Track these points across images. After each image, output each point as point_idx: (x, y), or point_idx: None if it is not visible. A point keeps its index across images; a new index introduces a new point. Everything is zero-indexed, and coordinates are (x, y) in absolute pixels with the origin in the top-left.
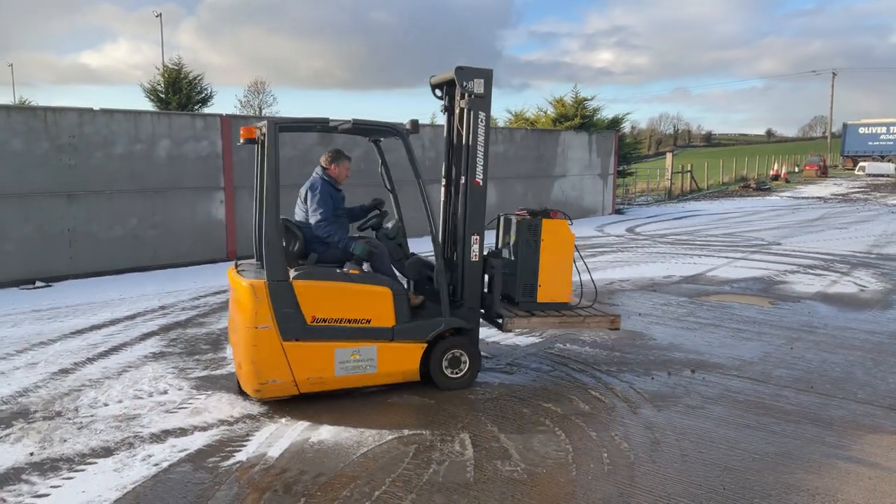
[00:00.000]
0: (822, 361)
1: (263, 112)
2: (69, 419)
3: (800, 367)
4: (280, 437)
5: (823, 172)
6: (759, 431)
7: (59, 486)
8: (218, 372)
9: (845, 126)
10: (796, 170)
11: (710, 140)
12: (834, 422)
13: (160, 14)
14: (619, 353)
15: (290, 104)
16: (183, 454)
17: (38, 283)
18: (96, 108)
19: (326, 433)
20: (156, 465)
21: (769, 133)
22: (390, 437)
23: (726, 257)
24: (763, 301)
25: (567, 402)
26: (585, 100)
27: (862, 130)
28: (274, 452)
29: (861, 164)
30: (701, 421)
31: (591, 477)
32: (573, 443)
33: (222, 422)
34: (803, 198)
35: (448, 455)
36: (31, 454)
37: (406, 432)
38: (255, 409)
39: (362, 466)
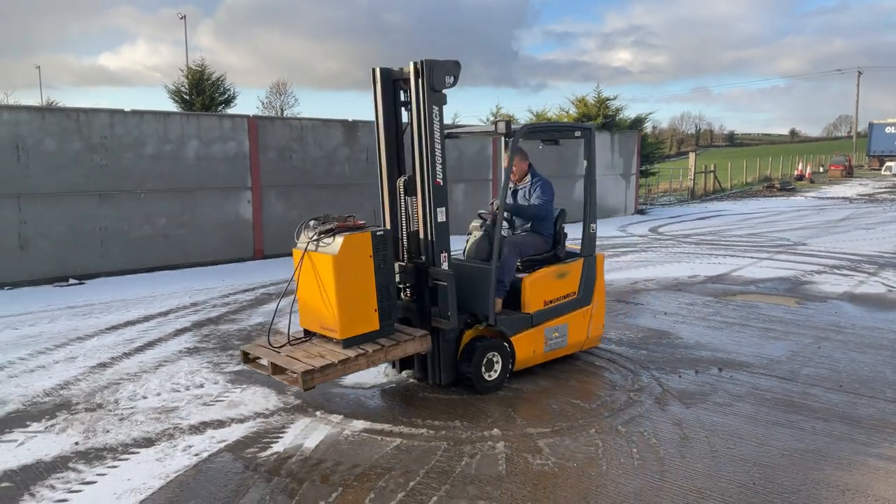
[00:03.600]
0: (850, 361)
1: (285, 112)
2: (110, 411)
3: (828, 365)
4: (315, 429)
5: (849, 172)
6: (788, 429)
7: (104, 474)
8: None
9: (871, 125)
10: (821, 170)
11: (732, 140)
12: (863, 420)
13: (184, 16)
14: (645, 351)
15: (310, 104)
16: (222, 445)
17: (71, 281)
18: (127, 109)
19: (360, 426)
20: (196, 455)
21: (793, 133)
22: (423, 430)
23: (751, 257)
24: (790, 301)
25: (595, 399)
26: (608, 99)
27: (888, 130)
28: (310, 444)
29: (888, 163)
30: (729, 418)
31: (622, 471)
32: (602, 438)
33: (258, 414)
34: (829, 198)
35: (480, 448)
36: (76, 444)
37: (438, 426)
38: (290, 402)
39: (396, 458)
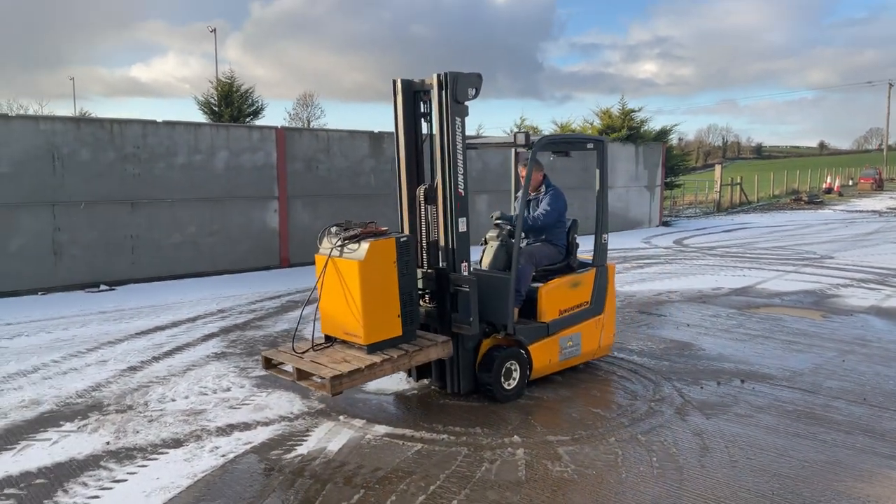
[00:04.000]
0: (875, 374)
1: (312, 124)
2: (140, 412)
3: (852, 379)
4: (338, 433)
5: (879, 186)
6: (809, 440)
7: (135, 473)
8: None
9: None
10: (850, 183)
11: (760, 152)
12: (887, 433)
13: (214, 30)
14: (667, 362)
15: (336, 116)
16: (248, 447)
17: (102, 287)
18: (159, 120)
19: (382, 430)
20: (223, 456)
21: (822, 145)
22: (443, 436)
23: (777, 270)
24: (815, 314)
25: (616, 409)
26: (632, 111)
27: None
28: (333, 447)
29: None
30: (750, 429)
31: (640, 479)
32: (622, 447)
33: (283, 418)
34: (857, 211)
35: (499, 454)
36: (108, 443)
37: (458, 432)
38: (314, 406)
39: (417, 463)
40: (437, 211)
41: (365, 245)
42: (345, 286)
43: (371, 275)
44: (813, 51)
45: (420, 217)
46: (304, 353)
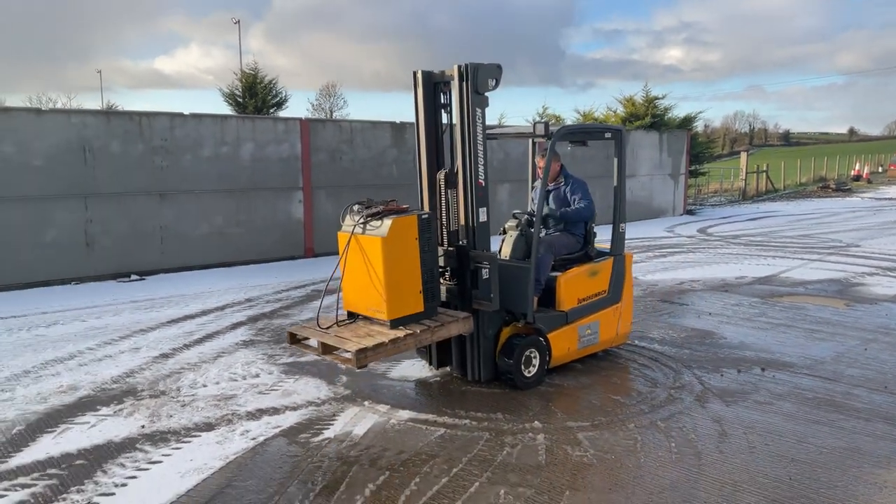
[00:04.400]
0: None
1: (334, 114)
2: (173, 398)
3: (874, 367)
4: (363, 418)
5: None
6: (828, 427)
7: (169, 455)
8: (304, 359)
9: None
10: (880, 170)
11: (788, 139)
12: None
13: (238, 21)
14: (688, 350)
15: (358, 106)
16: (277, 430)
17: (132, 277)
18: (186, 112)
19: (406, 415)
20: (253, 439)
21: (851, 131)
22: (465, 421)
23: (801, 259)
24: (838, 303)
25: (635, 396)
26: (656, 98)
27: None
28: (359, 431)
29: None
30: (769, 416)
31: (659, 464)
32: (641, 432)
33: (310, 403)
34: (886, 199)
35: (520, 439)
36: (143, 427)
37: (480, 418)
38: (340, 392)
39: (440, 446)
40: (457, 199)
41: (388, 222)
42: (368, 263)
43: (394, 251)
44: (844, 34)
45: (440, 202)
46: (328, 328)
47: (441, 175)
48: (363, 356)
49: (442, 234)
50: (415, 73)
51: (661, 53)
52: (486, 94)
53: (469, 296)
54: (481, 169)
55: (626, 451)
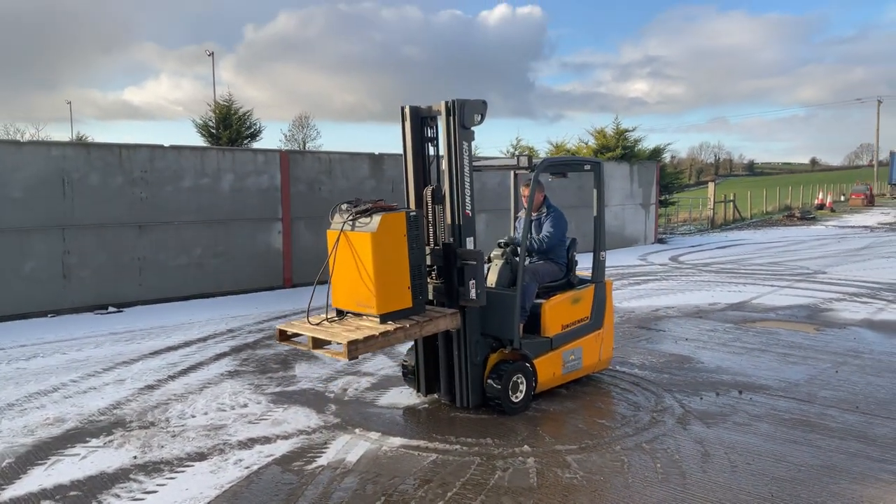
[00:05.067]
0: (867, 384)
1: (308, 145)
2: (162, 428)
3: (845, 388)
4: (355, 445)
5: (870, 201)
6: (805, 446)
7: (164, 485)
8: (290, 388)
9: (892, 154)
10: (842, 199)
11: (752, 169)
12: (878, 438)
13: (212, 53)
14: (668, 375)
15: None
16: (270, 459)
17: (110, 308)
18: (167, 144)
19: (397, 442)
20: (247, 467)
21: (814, 162)
22: (456, 446)
23: (771, 285)
24: (809, 327)
25: (620, 419)
26: (626, 131)
27: None
28: (351, 458)
29: None
30: (749, 436)
31: (646, 484)
32: (627, 454)
33: (301, 431)
34: (849, 227)
35: (511, 463)
36: (135, 457)
37: (470, 443)
38: (330, 420)
39: (433, 471)
40: (444, 217)
41: (377, 218)
42: (357, 259)
43: (383, 246)
44: (803, 69)
45: (427, 211)
46: (317, 324)
47: (428, 191)
48: (354, 348)
49: (429, 232)
50: (403, 108)
51: (627, 86)
52: (472, 128)
53: (456, 294)
54: (468, 200)
55: (614, 472)
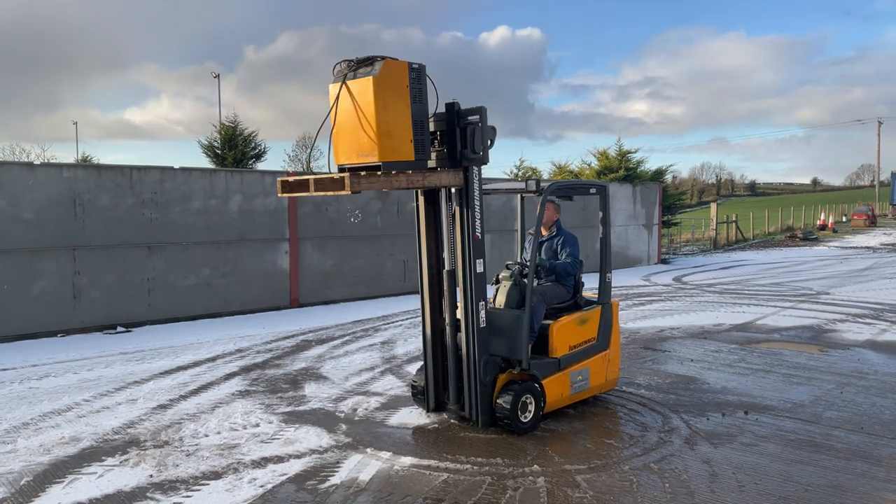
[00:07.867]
0: (871, 405)
1: (311, 165)
2: (177, 447)
3: (850, 409)
4: (367, 464)
5: (872, 222)
6: (811, 466)
7: (180, 503)
8: (301, 408)
9: (894, 175)
10: (844, 219)
11: (754, 189)
12: (883, 459)
13: (218, 75)
14: (674, 395)
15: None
16: (284, 477)
17: (119, 329)
18: (176, 166)
19: (408, 461)
20: (261, 486)
21: (815, 182)
22: (467, 466)
23: (775, 306)
24: (813, 348)
25: (628, 439)
26: (629, 152)
27: None
28: (364, 477)
29: None
30: (755, 457)
31: (655, 503)
32: (636, 474)
33: (313, 451)
34: (852, 247)
35: (521, 483)
36: (151, 476)
37: (481, 462)
38: (341, 440)
39: (445, 490)
40: (455, 250)
41: (379, 64)
42: (359, 108)
43: (385, 92)
44: (802, 89)
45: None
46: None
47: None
48: (356, 181)
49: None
50: None
51: (627, 107)
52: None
53: (460, 156)
54: (478, 223)
55: (624, 492)
